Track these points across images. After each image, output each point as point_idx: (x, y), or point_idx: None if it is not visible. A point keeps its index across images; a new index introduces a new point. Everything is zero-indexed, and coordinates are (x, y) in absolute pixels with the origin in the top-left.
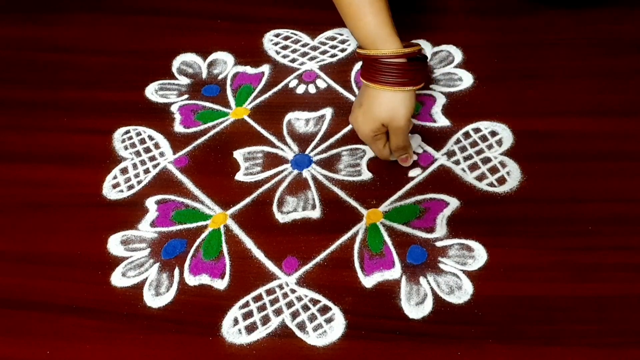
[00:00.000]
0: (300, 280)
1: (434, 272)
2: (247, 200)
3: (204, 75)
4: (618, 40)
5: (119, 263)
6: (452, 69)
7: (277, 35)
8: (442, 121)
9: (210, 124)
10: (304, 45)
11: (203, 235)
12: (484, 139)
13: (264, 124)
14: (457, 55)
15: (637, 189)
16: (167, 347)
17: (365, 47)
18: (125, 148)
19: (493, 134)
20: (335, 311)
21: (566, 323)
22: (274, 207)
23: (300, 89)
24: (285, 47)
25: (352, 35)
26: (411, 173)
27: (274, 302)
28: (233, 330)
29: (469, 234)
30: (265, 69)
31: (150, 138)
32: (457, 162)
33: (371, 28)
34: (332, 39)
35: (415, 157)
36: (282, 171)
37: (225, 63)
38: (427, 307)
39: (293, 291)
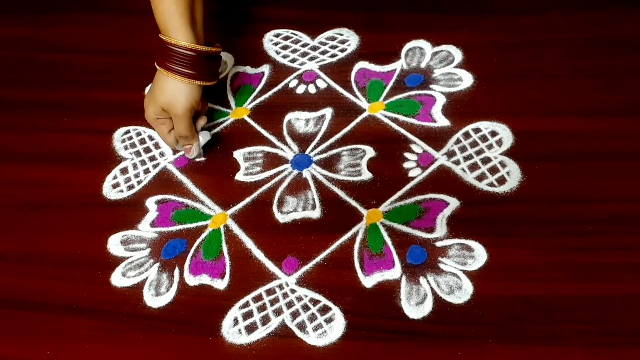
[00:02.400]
0: (300, 280)
1: (434, 272)
2: (247, 200)
3: None
4: (618, 40)
5: (119, 263)
6: (452, 69)
7: (277, 35)
8: (442, 121)
9: (210, 124)
10: (304, 45)
11: (203, 235)
12: (484, 139)
13: (264, 124)
14: (457, 55)
15: (637, 189)
16: (167, 347)
17: (161, 32)
18: (125, 148)
19: (493, 134)
20: (335, 311)
21: (566, 323)
22: (274, 207)
23: (300, 89)
24: (285, 47)
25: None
26: (411, 173)
27: (274, 302)
28: (233, 330)
29: (469, 234)
30: (265, 69)
31: (150, 138)
32: (457, 162)
33: (166, 15)
34: (332, 39)
35: (198, 152)
36: (282, 171)
37: (225, 63)
38: (427, 307)
39: (293, 291)
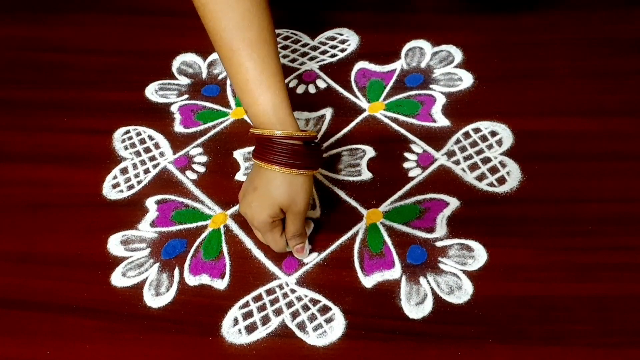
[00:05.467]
0: (300, 280)
1: (434, 272)
2: None
3: (204, 75)
4: (618, 40)
5: (119, 263)
6: (452, 69)
7: (277, 35)
8: (442, 121)
9: (210, 124)
10: (304, 45)
11: (203, 235)
12: (484, 139)
13: None
14: (457, 55)
15: (637, 189)
16: (167, 347)
17: (260, 126)
18: (125, 148)
19: (493, 134)
20: (335, 311)
21: (566, 323)
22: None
23: (300, 89)
24: (285, 47)
25: (246, 113)
26: (411, 173)
27: (274, 302)
28: (233, 330)
29: (469, 234)
30: None
31: (150, 138)
32: (457, 162)
33: (269, 109)
34: (332, 39)
35: (309, 247)
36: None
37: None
38: (427, 307)
39: (293, 291)
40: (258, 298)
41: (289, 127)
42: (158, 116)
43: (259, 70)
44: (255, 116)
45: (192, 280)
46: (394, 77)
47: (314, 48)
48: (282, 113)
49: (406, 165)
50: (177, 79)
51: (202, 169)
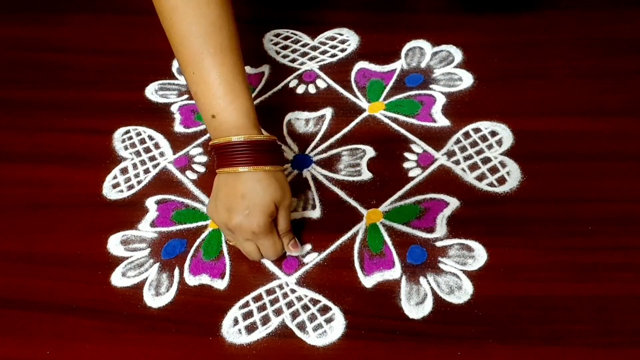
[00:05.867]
0: (300, 280)
1: (434, 272)
2: None
3: None
4: (618, 40)
5: (119, 263)
6: (452, 69)
7: (277, 35)
8: (442, 121)
9: None
10: (304, 45)
11: (203, 235)
12: (484, 139)
13: (264, 124)
14: (457, 55)
15: (637, 189)
16: (167, 347)
17: (233, 131)
18: (125, 148)
19: (493, 134)
20: (335, 311)
21: (566, 323)
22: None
23: (300, 89)
24: (285, 47)
25: (210, 121)
26: (411, 173)
27: (274, 302)
28: (233, 330)
29: (469, 234)
30: (265, 69)
31: (150, 138)
32: (457, 162)
33: (243, 113)
34: (332, 39)
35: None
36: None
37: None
38: (427, 307)
39: (293, 291)
40: (258, 298)
41: (260, 129)
42: (158, 116)
43: (231, 76)
44: (226, 122)
45: (192, 280)
46: (394, 77)
47: (314, 48)
48: (254, 116)
49: (406, 165)
50: (177, 79)
51: (202, 169)
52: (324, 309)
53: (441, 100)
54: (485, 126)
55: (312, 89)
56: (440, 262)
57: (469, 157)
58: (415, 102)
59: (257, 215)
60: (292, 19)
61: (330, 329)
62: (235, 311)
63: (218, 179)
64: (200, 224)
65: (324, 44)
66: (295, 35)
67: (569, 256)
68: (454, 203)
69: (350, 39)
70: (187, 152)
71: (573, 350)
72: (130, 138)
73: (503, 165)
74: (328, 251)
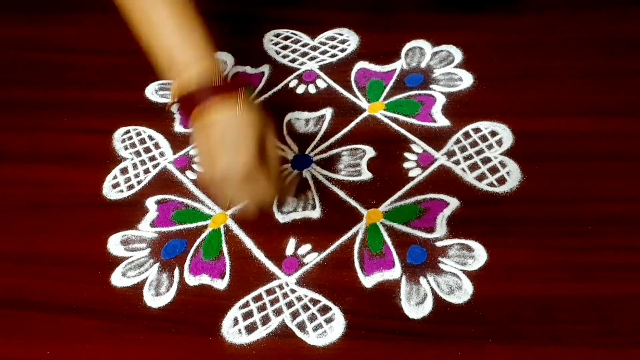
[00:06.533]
0: (300, 280)
1: (434, 272)
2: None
3: None
4: (618, 40)
5: (119, 263)
6: (452, 69)
7: (277, 35)
8: (442, 121)
9: None
10: (304, 45)
11: (203, 235)
12: (484, 139)
13: None
14: (457, 55)
15: (637, 189)
16: (167, 347)
17: (203, 71)
18: (125, 148)
19: (493, 134)
20: (335, 311)
21: (566, 323)
22: (274, 207)
23: (300, 89)
24: (285, 47)
25: (170, 65)
26: (411, 173)
27: (274, 302)
28: (233, 330)
29: (469, 234)
30: (265, 69)
31: (150, 138)
32: (457, 162)
33: (208, 53)
34: (332, 39)
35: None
36: (282, 171)
37: (225, 63)
38: (427, 307)
39: (293, 291)
40: (258, 298)
41: (216, 62)
42: (158, 116)
43: (193, 23)
44: (184, 59)
45: (192, 280)
46: (394, 77)
47: (314, 48)
48: (212, 49)
49: (406, 165)
50: None
51: (202, 169)
52: (324, 309)
53: (441, 100)
54: (485, 126)
55: (312, 89)
56: (440, 262)
57: (469, 157)
58: (415, 102)
59: (246, 152)
60: (292, 19)
61: (330, 329)
62: (235, 311)
63: (193, 133)
64: (200, 224)
65: (324, 44)
66: (295, 35)
67: (569, 256)
68: (454, 203)
69: (350, 39)
70: (187, 152)
71: (573, 350)
72: (130, 138)
73: (503, 165)
74: (328, 251)
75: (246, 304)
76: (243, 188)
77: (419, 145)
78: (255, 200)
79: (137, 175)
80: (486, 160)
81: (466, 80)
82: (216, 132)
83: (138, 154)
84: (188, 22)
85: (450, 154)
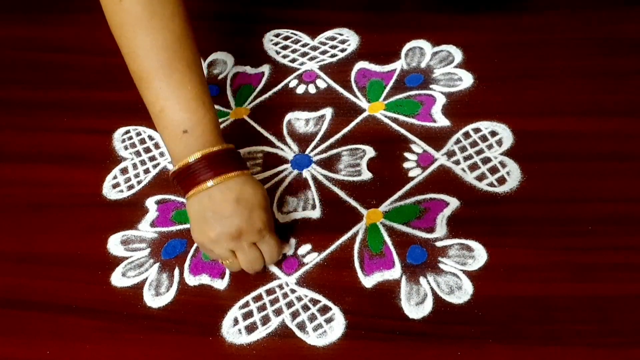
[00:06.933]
0: (300, 280)
1: (434, 272)
2: None
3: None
4: (618, 40)
5: (119, 263)
6: (452, 69)
7: (277, 35)
8: (442, 121)
9: None
10: (304, 45)
11: None
12: (484, 139)
13: (264, 124)
14: (457, 55)
15: (637, 189)
16: (167, 347)
17: (207, 144)
18: (125, 148)
19: (493, 134)
20: (335, 311)
21: (566, 323)
22: (274, 207)
23: (300, 89)
24: (285, 47)
25: (176, 138)
26: (411, 173)
27: (274, 302)
28: (233, 330)
29: (469, 234)
30: (265, 69)
31: (150, 138)
32: (457, 162)
33: (214, 126)
34: (332, 39)
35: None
36: (282, 171)
37: (225, 63)
38: (427, 307)
39: (293, 291)
40: (258, 298)
41: (221, 140)
42: None
43: (201, 90)
44: (201, 136)
45: (192, 280)
46: (394, 77)
47: (314, 48)
48: (219, 130)
49: (406, 165)
50: None
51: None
52: (324, 309)
53: (441, 100)
54: (485, 126)
55: (312, 89)
56: (440, 262)
57: (469, 157)
58: (415, 102)
59: (260, 213)
60: (292, 19)
61: (330, 329)
62: (235, 311)
63: (195, 202)
64: None
65: (324, 44)
66: (295, 35)
67: (569, 256)
68: (454, 203)
69: (350, 39)
70: None
71: (573, 350)
72: (130, 138)
73: (503, 165)
74: (328, 251)
75: (246, 304)
76: (251, 251)
77: (419, 145)
78: (246, 267)
79: (137, 175)
80: (486, 160)
81: (466, 80)
82: (229, 195)
83: (138, 154)
84: (180, 69)
85: (450, 154)
